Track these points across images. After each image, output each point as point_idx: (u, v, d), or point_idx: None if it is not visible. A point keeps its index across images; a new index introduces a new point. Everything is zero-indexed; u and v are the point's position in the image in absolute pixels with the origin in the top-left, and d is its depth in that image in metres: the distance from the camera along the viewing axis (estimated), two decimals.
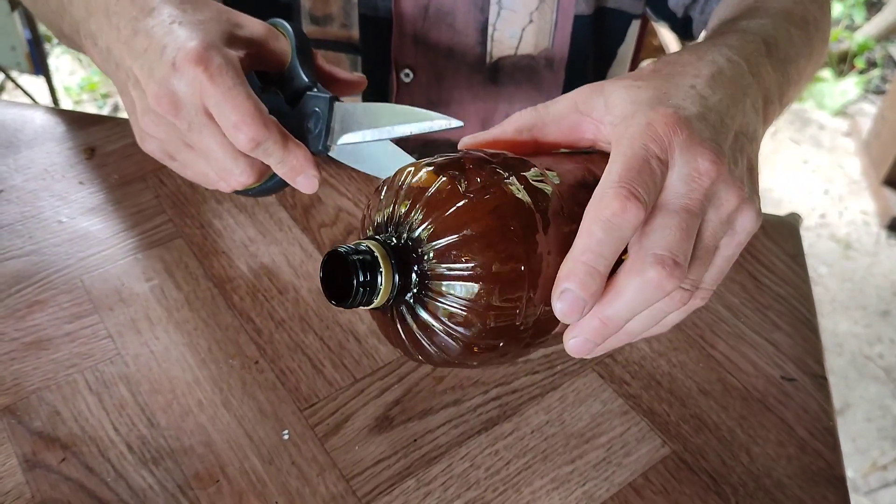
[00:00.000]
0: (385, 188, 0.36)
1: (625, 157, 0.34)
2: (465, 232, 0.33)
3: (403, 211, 0.34)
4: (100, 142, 0.66)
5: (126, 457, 0.46)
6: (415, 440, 0.48)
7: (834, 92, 2.43)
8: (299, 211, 0.61)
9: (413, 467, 0.47)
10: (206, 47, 0.42)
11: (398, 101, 0.63)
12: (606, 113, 0.38)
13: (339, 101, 0.45)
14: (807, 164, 2.21)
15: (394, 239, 0.34)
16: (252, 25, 0.47)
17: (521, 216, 0.34)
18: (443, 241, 0.33)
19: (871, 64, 2.59)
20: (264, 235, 0.59)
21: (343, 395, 0.50)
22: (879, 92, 2.49)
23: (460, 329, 0.34)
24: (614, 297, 0.34)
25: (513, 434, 0.49)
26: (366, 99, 0.63)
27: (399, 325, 0.36)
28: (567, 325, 0.36)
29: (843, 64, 2.55)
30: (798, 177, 2.17)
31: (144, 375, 0.50)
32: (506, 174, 0.35)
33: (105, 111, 2.19)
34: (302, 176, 0.44)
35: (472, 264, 0.33)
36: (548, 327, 0.36)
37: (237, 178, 0.45)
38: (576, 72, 0.64)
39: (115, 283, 0.55)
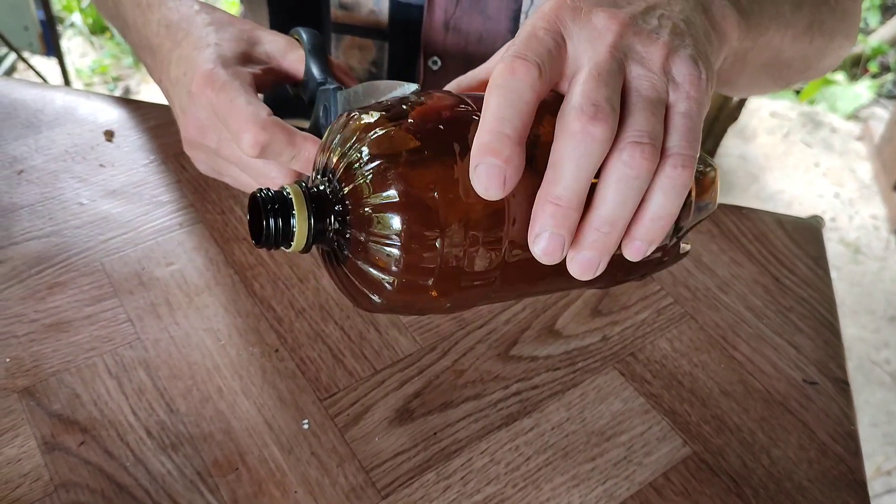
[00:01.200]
0: (331, 132, 0.37)
1: (514, 39, 0.34)
2: (369, 167, 0.33)
3: (328, 157, 0.36)
4: (120, 125, 0.65)
5: (145, 442, 0.46)
6: (435, 433, 0.48)
7: (847, 95, 2.42)
8: None
9: (433, 460, 0.47)
10: (213, 68, 0.45)
11: (424, 90, 0.63)
12: None
13: (342, 90, 0.46)
14: (818, 167, 2.21)
15: (325, 182, 0.35)
16: (273, 41, 0.49)
17: (429, 148, 0.33)
18: (352, 180, 0.33)
19: (885, 68, 2.58)
20: None
21: (363, 385, 0.50)
22: (892, 96, 2.48)
23: (382, 267, 0.33)
24: (553, 170, 0.32)
25: (533, 430, 0.49)
26: None
27: (335, 271, 0.36)
28: (522, 263, 0.34)
29: (856, 67, 2.54)
30: (809, 179, 2.16)
31: (164, 360, 0.50)
32: (420, 109, 0.35)
33: (116, 94, 2.19)
34: None
35: (381, 199, 0.33)
36: (481, 266, 0.34)
37: (276, 181, 0.47)
38: None
39: (135, 267, 0.55)
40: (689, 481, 0.47)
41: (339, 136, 0.36)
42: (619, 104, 0.32)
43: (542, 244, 0.32)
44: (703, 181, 0.40)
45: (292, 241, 0.35)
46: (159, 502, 0.44)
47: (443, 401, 0.50)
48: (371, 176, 0.33)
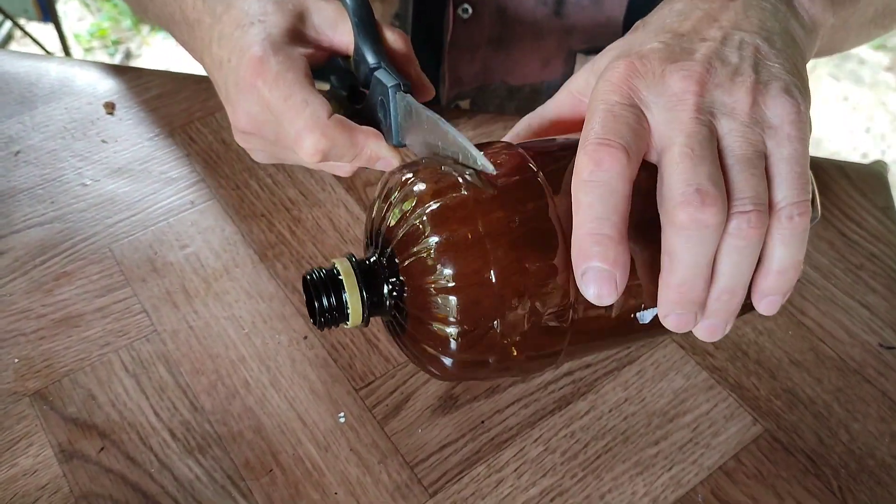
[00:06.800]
0: (377, 196, 0.35)
1: (589, 119, 0.31)
2: (425, 243, 0.31)
3: (381, 221, 0.34)
4: (121, 95, 0.60)
5: (170, 445, 0.42)
6: (482, 422, 0.44)
7: None
8: None
9: (482, 452, 0.43)
10: (263, 55, 0.40)
11: (454, 41, 0.57)
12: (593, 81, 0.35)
13: (401, 89, 0.41)
14: (847, 101, 2.12)
15: (377, 253, 0.34)
16: (322, 10, 0.44)
17: (487, 224, 0.31)
18: (408, 255, 0.32)
19: None
20: (306, 197, 0.54)
21: (401, 372, 0.46)
22: None
23: (438, 342, 0.32)
24: (670, 260, 0.30)
25: (589, 413, 0.45)
26: (416, 40, 0.57)
27: (398, 340, 0.35)
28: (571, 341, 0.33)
29: None
30: (838, 114, 2.08)
31: (184, 354, 0.46)
32: (482, 183, 0.33)
33: (117, 59, 2.12)
34: (379, 163, 0.42)
35: (435, 278, 0.31)
36: (543, 340, 0.33)
37: (344, 169, 0.44)
38: None
39: (146, 252, 0.50)
40: (763, 463, 0.43)
41: (392, 200, 0.34)
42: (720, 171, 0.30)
43: (673, 322, 0.31)
44: None
45: (349, 319, 0.34)
46: None
47: (489, 385, 0.45)
48: (428, 252, 0.31)
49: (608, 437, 0.44)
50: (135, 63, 2.10)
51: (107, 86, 0.61)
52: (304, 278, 0.34)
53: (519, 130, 0.40)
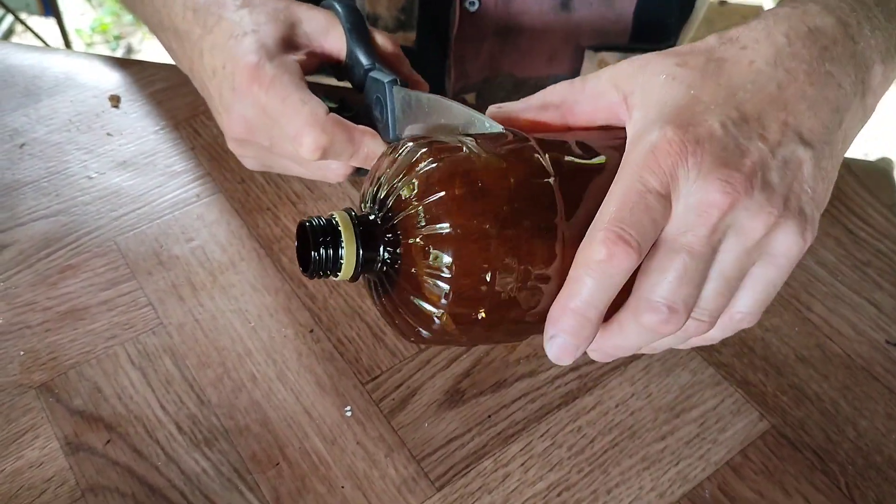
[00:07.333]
0: (381, 160, 0.36)
1: (620, 192, 0.30)
2: (427, 200, 0.32)
3: (386, 185, 0.34)
4: (126, 88, 0.60)
5: (176, 438, 0.42)
6: (489, 416, 0.44)
7: None
8: None
9: (489, 446, 0.43)
10: (259, 61, 0.41)
11: (460, 34, 0.57)
12: (639, 104, 0.33)
13: (397, 83, 0.42)
14: None
15: (375, 211, 0.34)
16: (312, 19, 0.45)
17: (491, 184, 0.32)
18: (407, 212, 0.32)
19: None
20: (312, 191, 0.53)
21: (408, 366, 0.46)
22: None
23: (431, 298, 0.32)
24: (614, 332, 0.33)
25: (595, 408, 0.45)
26: (423, 32, 0.57)
27: (382, 301, 0.36)
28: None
29: None
30: None
31: (190, 347, 0.46)
32: (489, 148, 0.33)
33: (118, 54, 2.12)
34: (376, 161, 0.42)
35: (434, 235, 0.31)
36: (533, 300, 0.33)
37: (337, 172, 0.45)
38: None
39: (152, 245, 0.50)
40: (770, 458, 0.43)
41: (397, 165, 0.34)
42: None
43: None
44: None
45: (340, 270, 0.34)
46: None
47: (495, 380, 0.45)
48: (427, 209, 0.32)
49: (615, 432, 0.44)
50: (136, 58, 2.10)
51: (112, 79, 0.61)
52: (302, 225, 0.34)
53: (546, 99, 0.37)
